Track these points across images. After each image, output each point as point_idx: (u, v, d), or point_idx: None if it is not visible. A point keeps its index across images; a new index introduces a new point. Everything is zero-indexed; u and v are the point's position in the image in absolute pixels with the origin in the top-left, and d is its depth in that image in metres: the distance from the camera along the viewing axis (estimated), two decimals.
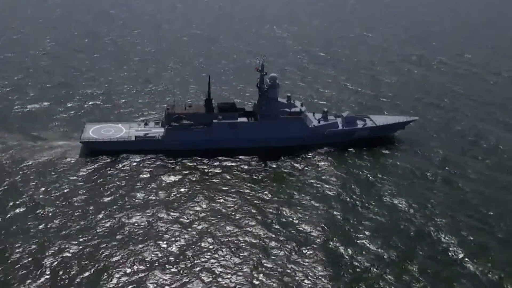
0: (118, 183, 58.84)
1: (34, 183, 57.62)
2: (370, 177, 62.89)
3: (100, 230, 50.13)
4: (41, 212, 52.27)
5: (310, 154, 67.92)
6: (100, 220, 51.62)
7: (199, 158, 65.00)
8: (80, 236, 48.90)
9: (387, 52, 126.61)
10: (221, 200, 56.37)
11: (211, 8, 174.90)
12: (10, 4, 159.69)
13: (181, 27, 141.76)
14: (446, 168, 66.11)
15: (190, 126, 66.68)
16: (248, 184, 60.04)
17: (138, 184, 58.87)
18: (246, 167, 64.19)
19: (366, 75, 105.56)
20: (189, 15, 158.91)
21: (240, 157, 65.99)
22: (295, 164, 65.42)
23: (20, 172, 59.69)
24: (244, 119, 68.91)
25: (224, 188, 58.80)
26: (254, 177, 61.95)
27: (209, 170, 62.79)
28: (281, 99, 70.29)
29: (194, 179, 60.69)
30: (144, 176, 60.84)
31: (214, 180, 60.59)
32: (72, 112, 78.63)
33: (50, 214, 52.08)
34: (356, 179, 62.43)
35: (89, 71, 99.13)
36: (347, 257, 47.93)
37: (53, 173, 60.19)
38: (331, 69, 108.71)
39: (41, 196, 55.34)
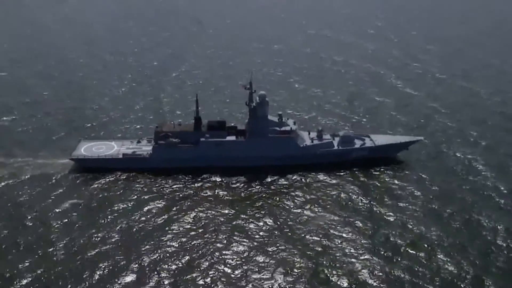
0: (95, 200, 59.13)
1: (17, 198, 59.13)
2: (356, 199, 59.54)
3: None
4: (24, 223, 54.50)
5: (298, 174, 65.17)
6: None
7: (185, 177, 64.10)
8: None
9: (391, 68, 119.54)
10: (202, 220, 55.23)
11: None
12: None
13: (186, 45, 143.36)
14: (450, 196, 60.56)
15: (177, 144, 66.11)
16: (229, 204, 58.37)
17: (112, 202, 58.64)
18: (230, 186, 62.57)
19: (370, 92, 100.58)
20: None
21: (227, 176, 64.41)
22: (281, 184, 63.15)
23: (9, 188, 61.25)
24: (232, 138, 67.49)
25: (203, 209, 57.43)
26: (237, 196, 60.23)
27: (193, 189, 61.64)
28: (272, 117, 68.43)
29: (176, 198, 59.76)
30: (124, 194, 60.52)
31: (196, 199, 59.41)
32: (72, 129, 79.66)
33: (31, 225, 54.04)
34: (341, 201, 59.20)
35: (92, 88, 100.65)
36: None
37: (38, 188, 61.21)
38: (331, 86, 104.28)
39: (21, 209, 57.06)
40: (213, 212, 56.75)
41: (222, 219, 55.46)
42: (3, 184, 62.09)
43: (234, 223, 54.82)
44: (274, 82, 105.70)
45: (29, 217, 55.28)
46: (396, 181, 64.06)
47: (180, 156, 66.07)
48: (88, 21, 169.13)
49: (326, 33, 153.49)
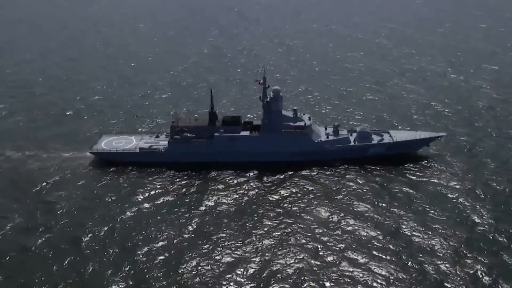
0: (109, 193, 60.79)
1: (35, 188, 62.16)
2: (365, 198, 57.94)
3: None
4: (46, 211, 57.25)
5: (313, 170, 64.29)
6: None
7: (198, 171, 64.83)
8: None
9: (415, 60, 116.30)
10: (209, 215, 55.79)
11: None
12: None
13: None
14: (474, 195, 57.62)
15: (192, 139, 66.93)
16: (237, 200, 58.44)
17: (122, 194, 60.37)
18: (241, 181, 62.52)
19: (390, 86, 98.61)
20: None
21: (240, 171, 64.53)
22: (294, 180, 62.40)
23: (31, 178, 64.14)
24: (247, 133, 67.49)
25: (211, 203, 57.87)
26: (247, 192, 60.14)
27: (203, 184, 62.25)
28: (287, 112, 67.85)
29: (185, 192, 60.56)
30: (136, 186, 61.99)
31: (204, 194, 59.90)
32: (94, 124, 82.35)
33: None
34: (348, 199, 57.82)
35: (106, 84, 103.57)
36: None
37: (56, 179, 63.84)
38: (351, 79, 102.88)
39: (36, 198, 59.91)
40: (219, 207, 56.99)
41: (227, 214, 55.67)
42: (24, 174, 65.16)
43: (236, 218, 54.91)
44: (291, 77, 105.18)
45: (43, 205, 58.06)
46: (399, 182, 61.63)
47: (194, 150, 66.85)
48: (111, 22, 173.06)
49: (348, 32, 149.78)
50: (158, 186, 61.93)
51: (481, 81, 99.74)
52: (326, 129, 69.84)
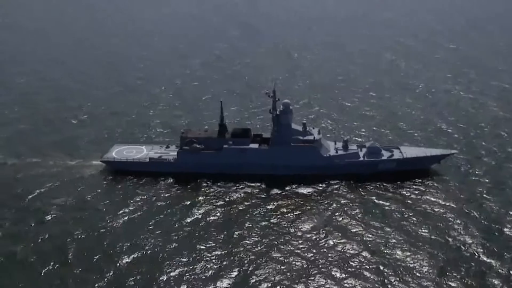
0: (114, 200, 61.49)
1: (46, 193, 62.88)
2: (361, 216, 57.42)
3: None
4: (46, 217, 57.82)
5: (321, 184, 64.29)
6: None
7: (206, 182, 65.10)
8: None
9: (423, 76, 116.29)
10: (211, 226, 55.97)
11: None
12: None
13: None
14: (467, 215, 57.06)
15: (201, 150, 67.18)
16: (230, 212, 58.67)
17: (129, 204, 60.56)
18: (249, 194, 62.63)
19: (394, 101, 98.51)
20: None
21: (248, 183, 64.67)
22: (293, 194, 62.55)
23: (30, 185, 64.32)
24: (255, 146, 67.69)
25: (200, 215, 58.02)
26: (242, 204, 60.24)
27: (208, 195, 62.58)
28: (297, 126, 68.10)
29: (190, 203, 60.76)
30: (142, 195, 62.61)
31: (209, 205, 60.22)
32: (99, 133, 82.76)
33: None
34: (339, 215, 57.65)
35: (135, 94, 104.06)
36: None
37: (65, 185, 64.43)
38: (357, 93, 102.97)
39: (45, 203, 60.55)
40: (210, 218, 57.31)
41: (217, 226, 55.90)
42: (23, 181, 65.32)
43: (227, 230, 55.09)
44: (295, 90, 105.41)
45: (35, 213, 58.49)
46: (393, 199, 61.21)
47: (203, 161, 67.10)
48: (118, 32, 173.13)
49: (357, 46, 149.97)
50: (152, 196, 62.42)
51: (489, 98, 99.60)
52: (335, 143, 69.97)
